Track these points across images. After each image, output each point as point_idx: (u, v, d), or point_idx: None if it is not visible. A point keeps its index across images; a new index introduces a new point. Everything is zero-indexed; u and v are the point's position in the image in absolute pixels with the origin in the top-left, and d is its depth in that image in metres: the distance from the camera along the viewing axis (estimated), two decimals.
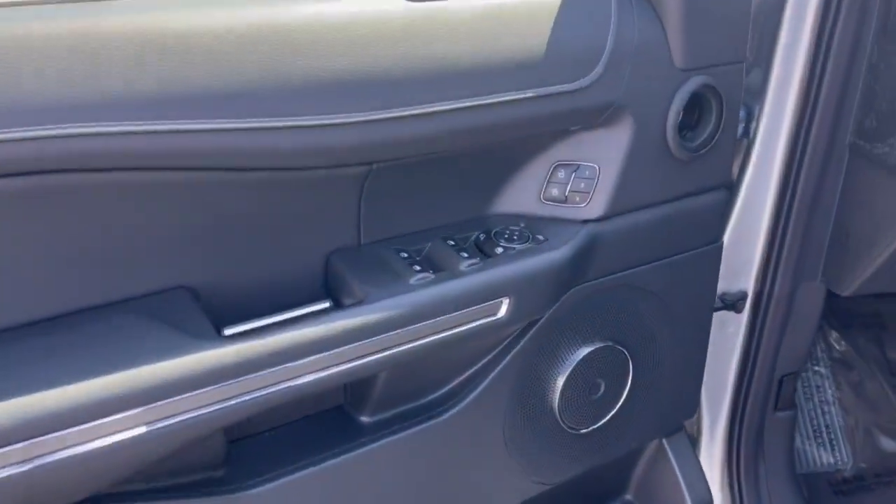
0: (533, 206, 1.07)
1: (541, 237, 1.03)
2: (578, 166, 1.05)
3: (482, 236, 1.03)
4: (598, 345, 1.13)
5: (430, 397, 1.06)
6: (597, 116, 1.00)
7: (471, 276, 0.94)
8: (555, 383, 1.12)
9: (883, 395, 1.82)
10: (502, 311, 0.98)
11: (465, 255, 0.97)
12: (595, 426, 1.19)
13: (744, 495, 1.56)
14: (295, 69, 0.79)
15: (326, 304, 0.93)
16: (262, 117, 0.78)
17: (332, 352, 0.85)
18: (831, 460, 1.73)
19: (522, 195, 1.07)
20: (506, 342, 1.05)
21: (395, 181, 0.95)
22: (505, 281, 0.96)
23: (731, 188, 1.42)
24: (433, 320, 0.92)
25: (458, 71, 0.88)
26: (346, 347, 0.86)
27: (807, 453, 1.74)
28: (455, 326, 0.94)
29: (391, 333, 0.89)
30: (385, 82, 0.83)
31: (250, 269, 0.91)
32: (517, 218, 1.07)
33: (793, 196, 1.33)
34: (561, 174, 1.06)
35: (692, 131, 1.10)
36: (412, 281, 0.92)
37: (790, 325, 1.48)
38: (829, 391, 1.79)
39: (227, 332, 0.86)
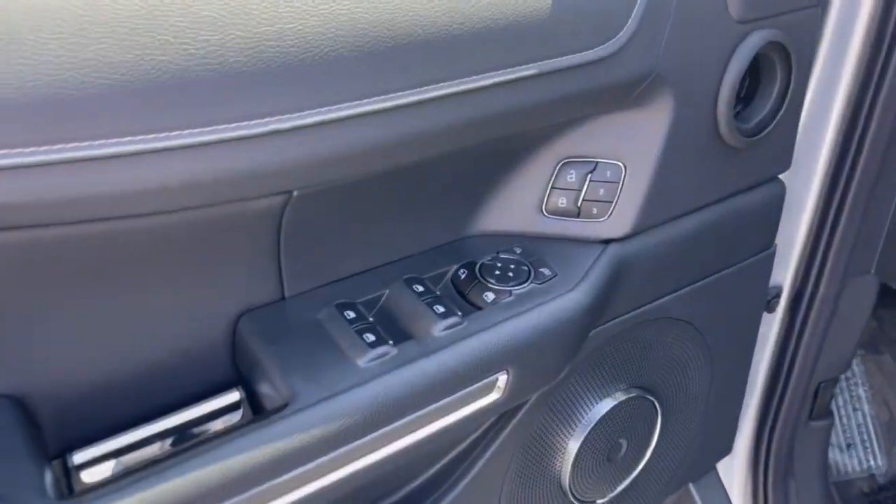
0: (531, 223, 0.76)
1: (546, 271, 0.72)
2: (596, 165, 0.74)
3: (462, 273, 0.71)
4: (622, 398, 0.84)
5: (411, 487, 0.77)
6: (626, 94, 0.68)
7: (451, 350, 0.63)
8: (565, 451, 0.83)
9: None
10: (498, 389, 0.68)
11: (440, 308, 0.66)
12: (612, 494, 0.91)
13: None
14: (164, 57, 0.46)
15: (235, 396, 0.63)
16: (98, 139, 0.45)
17: (240, 497, 0.55)
18: (865, 465, 1.49)
19: (516, 207, 0.76)
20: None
21: (329, 204, 0.63)
22: (500, 348, 0.65)
23: None
24: (398, 423, 0.61)
25: (425, 42, 0.55)
26: (262, 487, 0.56)
27: (836, 460, 1.51)
28: (429, 423, 0.64)
29: (332, 456, 0.58)
30: (304, 69, 0.51)
31: (112, 354, 0.59)
32: (510, 240, 0.76)
33: (849, 178, 1.03)
34: (571, 176, 0.74)
35: (746, 108, 0.79)
36: (363, 362, 0.61)
37: (834, 325, 1.21)
38: (861, 384, 1.54)
39: (77, 458, 0.55)
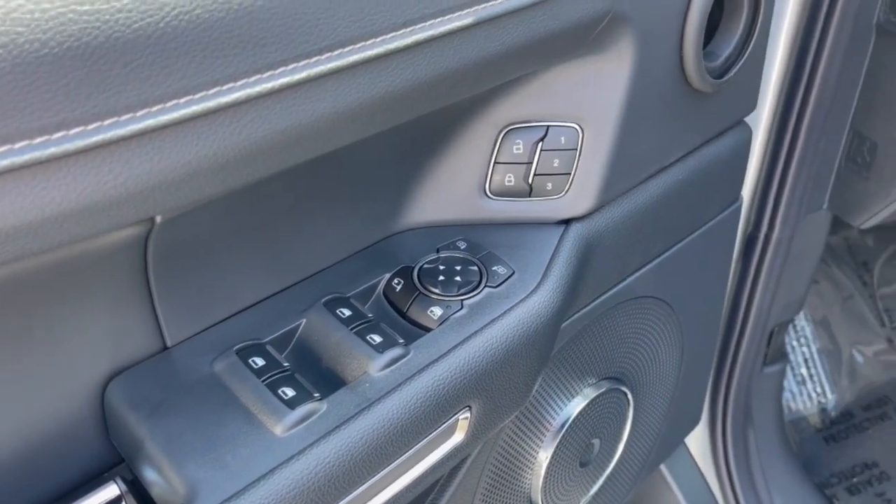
0: (475, 208, 0.61)
1: (500, 269, 0.58)
2: (547, 130, 0.60)
3: (397, 283, 0.56)
4: (592, 395, 0.72)
5: None
6: (580, 40, 0.54)
7: (397, 394, 0.48)
8: (535, 463, 0.71)
9: (858, 309, 1.55)
10: (460, 431, 0.54)
11: (376, 338, 0.51)
12: (585, 499, 0.80)
13: (733, 473, 1.26)
14: None
15: (113, 492, 0.47)
16: None
17: None
18: (816, 401, 1.46)
19: (454, 191, 0.61)
20: None
21: (208, 221, 0.47)
22: (459, 381, 0.51)
23: None
24: None
25: None
26: None
27: (789, 399, 1.46)
28: (377, 494, 0.49)
29: None
30: (138, 46, 0.34)
31: None
32: (452, 232, 0.61)
33: (800, 115, 0.93)
34: (517, 147, 0.60)
35: (710, 44, 0.66)
36: (282, 430, 0.46)
37: (788, 266, 1.13)
38: (804, 318, 1.49)
39: None
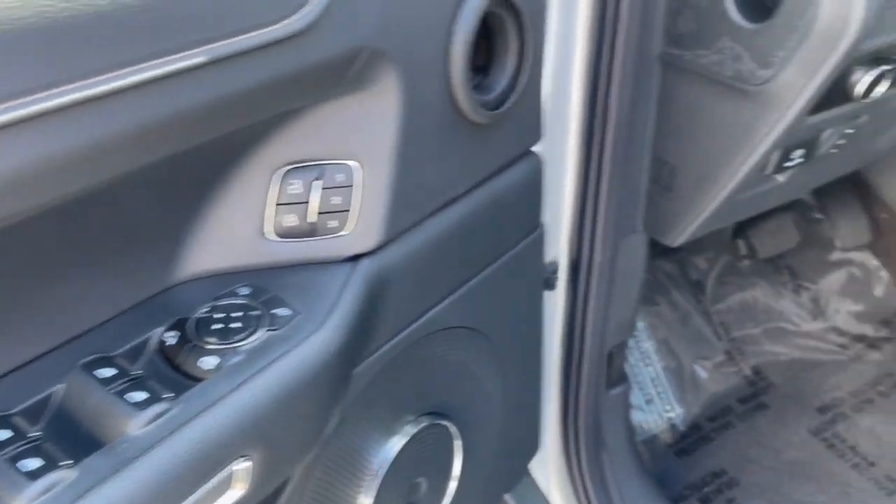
0: (257, 252, 0.60)
1: (283, 311, 0.57)
2: (324, 169, 0.60)
3: (171, 337, 0.54)
4: (412, 431, 0.72)
5: None
6: (337, 78, 0.55)
7: (157, 452, 0.46)
8: None
9: (695, 325, 1.64)
10: (239, 484, 0.51)
11: (137, 396, 0.48)
12: None
13: (591, 497, 1.28)
14: None
15: None
16: None
17: None
18: (665, 418, 1.51)
19: (234, 235, 0.59)
20: None
21: None
22: (233, 429, 0.49)
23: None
24: None
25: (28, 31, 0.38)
26: None
27: (639, 420, 1.51)
28: None
29: None
30: None
31: None
32: (234, 279, 0.60)
33: (602, 140, 0.99)
34: (295, 186, 0.59)
35: (486, 78, 0.69)
36: (26, 499, 0.42)
37: (615, 288, 1.18)
38: (646, 338, 1.56)
39: None
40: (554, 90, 0.95)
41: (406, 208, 0.62)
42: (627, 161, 1.03)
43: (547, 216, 1.07)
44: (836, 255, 1.79)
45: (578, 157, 1.01)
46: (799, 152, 0.96)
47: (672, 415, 1.51)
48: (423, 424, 0.72)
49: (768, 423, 1.51)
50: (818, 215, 1.76)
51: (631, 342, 1.55)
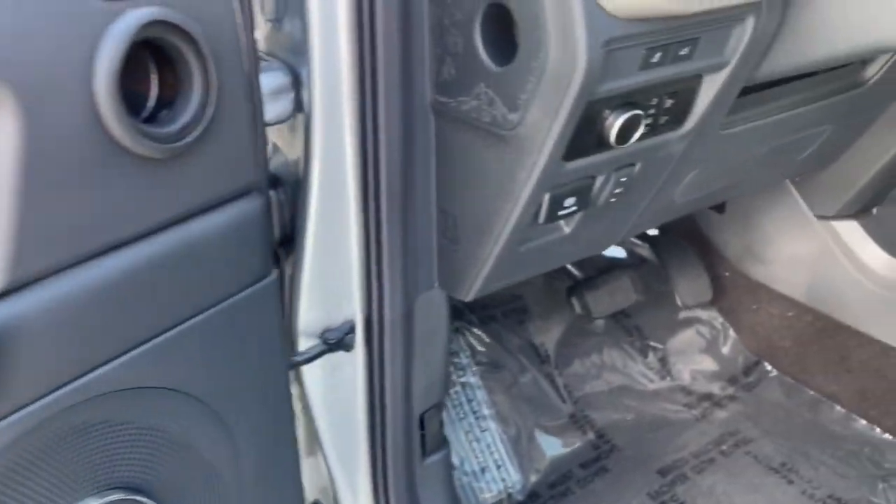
0: None
1: None
2: None
3: None
4: None
5: None
6: None
7: None
8: None
9: (538, 388, 1.59)
10: None
11: None
12: None
13: None
14: None
15: None
16: None
17: None
18: (501, 486, 1.44)
19: None
20: None
21: None
22: None
23: (295, 187, 1.01)
24: None
25: None
26: None
27: (474, 487, 1.44)
28: None
29: None
30: None
31: None
32: None
33: (377, 183, 0.95)
34: None
35: (169, 110, 0.64)
36: None
37: (417, 349, 1.13)
38: (483, 403, 1.50)
39: None
40: (326, 141, 0.92)
41: (40, 249, 0.55)
42: (407, 213, 1.00)
43: (339, 271, 1.02)
44: (683, 314, 1.79)
45: (357, 210, 0.97)
46: (571, 200, 0.94)
47: (509, 483, 1.44)
48: (110, 499, 0.64)
49: (608, 488, 1.46)
50: (662, 274, 1.76)
51: (466, 407, 1.49)
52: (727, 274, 1.84)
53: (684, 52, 0.84)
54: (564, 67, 0.76)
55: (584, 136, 0.86)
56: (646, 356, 1.72)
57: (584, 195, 0.95)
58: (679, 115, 0.94)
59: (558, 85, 0.78)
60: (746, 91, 1.08)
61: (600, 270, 1.66)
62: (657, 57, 0.82)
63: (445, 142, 0.97)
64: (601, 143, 0.87)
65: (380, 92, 0.89)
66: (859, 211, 1.51)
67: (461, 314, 1.55)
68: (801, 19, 0.90)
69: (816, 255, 1.60)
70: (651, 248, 1.76)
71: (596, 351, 1.68)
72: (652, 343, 1.74)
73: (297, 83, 0.93)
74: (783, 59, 0.95)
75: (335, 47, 0.88)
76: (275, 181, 1.03)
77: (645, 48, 0.80)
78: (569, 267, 1.70)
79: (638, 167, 0.98)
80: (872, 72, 1.20)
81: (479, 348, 1.54)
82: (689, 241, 1.83)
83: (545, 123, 0.81)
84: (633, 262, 1.75)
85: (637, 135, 0.88)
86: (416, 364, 1.13)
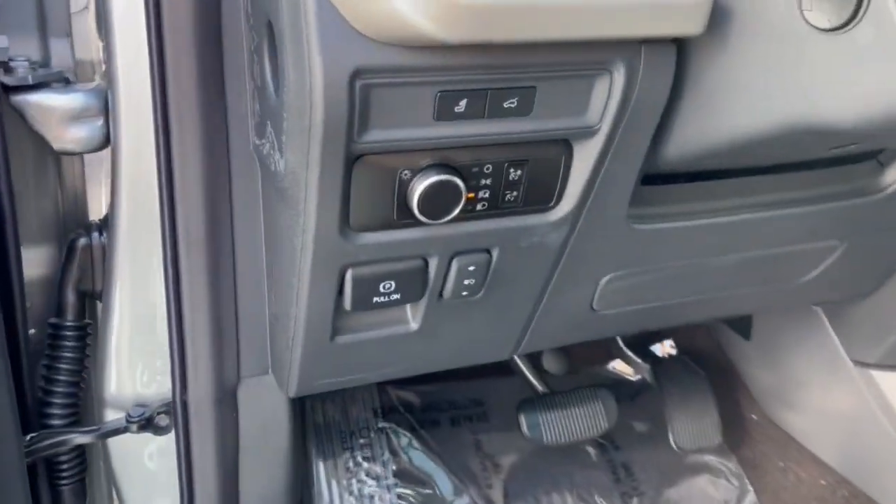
0: None
1: None
2: None
3: None
4: None
5: None
6: None
7: None
8: None
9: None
10: None
11: None
12: None
13: None
14: None
15: None
16: None
17: None
18: None
19: None
20: None
21: None
22: None
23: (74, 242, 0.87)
24: None
25: None
26: None
27: None
28: None
29: None
30: None
31: None
32: None
33: (175, 240, 0.79)
34: None
35: None
36: None
37: (245, 445, 0.93)
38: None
39: None
40: (133, 183, 0.78)
41: None
42: (219, 278, 0.82)
43: (149, 338, 0.86)
44: (691, 458, 1.46)
45: (171, 273, 0.81)
46: (389, 285, 0.73)
47: None
48: None
49: None
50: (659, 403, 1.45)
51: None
52: (754, 417, 1.49)
53: (511, 104, 0.62)
54: (300, 101, 0.57)
55: (379, 200, 0.65)
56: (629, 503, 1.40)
57: (410, 281, 0.73)
58: (542, 192, 0.71)
59: (301, 125, 0.58)
60: (693, 177, 0.83)
61: (577, 384, 1.38)
62: (462, 105, 0.60)
63: (269, 196, 0.80)
64: (412, 215, 0.66)
65: (187, 129, 0.73)
66: None
67: (393, 411, 1.33)
68: (709, 85, 0.66)
69: (854, 410, 1.24)
70: (651, 369, 1.45)
71: (564, 484, 1.38)
72: (642, 488, 1.42)
73: (108, 112, 0.80)
74: (699, 137, 0.70)
75: (140, 73, 0.74)
76: (88, 225, 0.90)
77: (438, 90, 0.59)
78: (543, 373, 1.44)
79: (496, 255, 0.75)
80: (892, 178, 0.90)
81: (405, 457, 1.30)
82: (710, 367, 1.50)
83: (301, 175, 0.62)
84: (625, 382, 1.46)
85: (456, 210, 0.66)
86: (245, 466, 0.93)
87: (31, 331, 0.95)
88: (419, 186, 0.64)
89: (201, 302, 0.79)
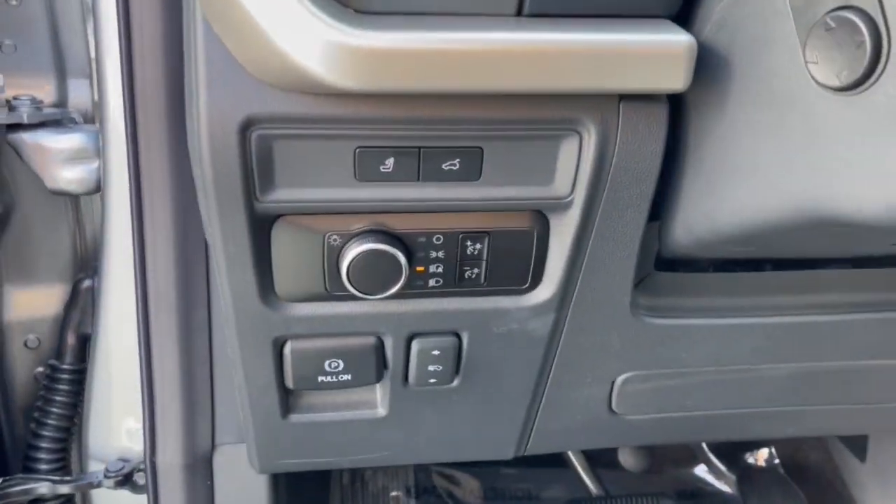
0: None
1: None
2: None
3: None
4: None
5: None
6: None
7: None
8: None
9: None
10: None
11: None
12: None
13: None
14: None
15: None
16: None
17: None
18: None
19: None
20: None
21: None
22: None
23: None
24: None
25: None
26: None
27: None
28: None
29: None
30: None
31: None
32: None
33: (146, 297, 0.75)
34: None
35: None
36: None
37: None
38: None
39: None
40: (119, 229, 0.76)
41: None
42: (191, 338, 0.77)
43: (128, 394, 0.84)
44: None
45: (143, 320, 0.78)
46: (336, 364, 0.64)
47: None
48: None
49: None
50: None
51: None
52: None
53: (452, 166, 0.52)
54: (195, 153, 0.51)
55: (307, 268, 0.57)
56: None
57: (360, 361, 0.64)
58: (512, 271, 0.60)
59: (201, 175, 0.52)
60: (735, 265, 0.68)
61: (646, 489, 1.20)
62: (389, 165, 0.51)
63: None
64: (345, 287, 0.57)
65: (157, 181, 0.69)
66: None
67: (429, 493, 1.21)
68: (708, 156, 0.52)
69: None
70: (738, 482, 1.24)
71: None
72: None
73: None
74: (705, 219, 0.56)
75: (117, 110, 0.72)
76: (96, 266, 0.88)
77: (356, 145, 0.50)
78: (614, 468, 1.27)
79: (466, 340, 0.64)
80: None
81: None
82: (814, 487, 1.26)
83: (210, 235, 0.55)
84: (706, 493, 1.25)
85: (397, 285, 0.56)
86: None
87: (39, 369, 0.95)
88: (349, 255, 0.55)
89: (171, 364, 0.74)
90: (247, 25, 0.43)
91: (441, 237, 0.56)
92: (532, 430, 0.77)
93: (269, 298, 0.58)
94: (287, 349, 0.62)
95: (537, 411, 0.74)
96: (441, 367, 0.65)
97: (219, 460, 0.83)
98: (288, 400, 0.68)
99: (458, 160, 0.52)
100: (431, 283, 0.58)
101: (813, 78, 0.42)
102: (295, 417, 0.70)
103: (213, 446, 0.82)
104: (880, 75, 0.39)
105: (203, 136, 0.48)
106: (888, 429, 0.99)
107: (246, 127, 0.48)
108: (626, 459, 1.38)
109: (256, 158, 0.49)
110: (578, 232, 0.56)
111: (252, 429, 0.70)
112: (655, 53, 0.46)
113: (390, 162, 0.51)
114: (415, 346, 0.63)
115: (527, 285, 0.60)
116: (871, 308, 0.69)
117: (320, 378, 0.64)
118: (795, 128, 0.44)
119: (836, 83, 0.41)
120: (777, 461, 1.32)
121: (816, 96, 0.42)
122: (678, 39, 0.46)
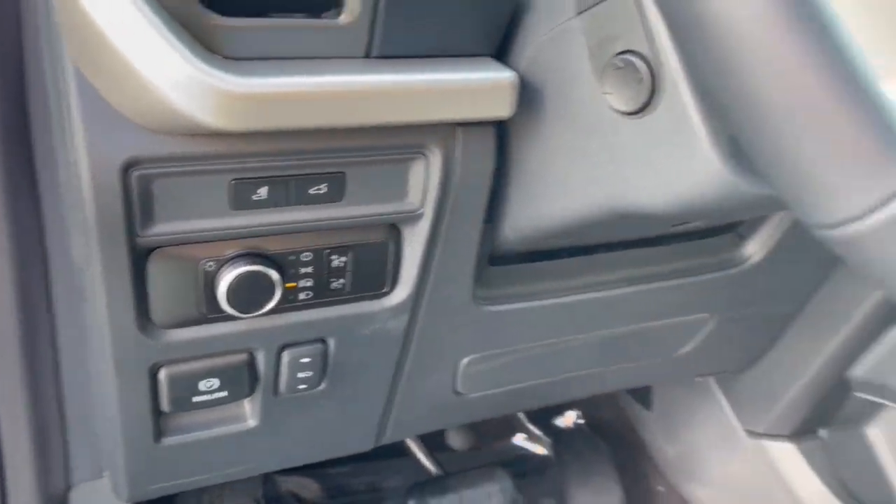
0: None
1: None
2: None
3: None
4: None
5: None
6: None
7: None
8: None
9: None
10: None
11: None
12: None
13: None
14: None
15: None
16: None
17: None
18: None
19: None
20: None
21: None
22: None
23: None
24: None
25: None
26: None
27: None
28: None
29: None
30: None
31: None
32: None
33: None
34: None
35: None
36: None
37: None
38: None
39: None
40: None
41: None
42: (35, 362, 0.76)
43: None
44: None
45: None
46: (212, 383, 0.68)
47: None
48: None
49: None
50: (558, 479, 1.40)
51: None
52: (661, 489, 1.45)
53: (319, 190, 0.58)
54: (73, 195, 0.53)
55: (183, 295, 0.60)
56: None
57: (235, 377, 0.68)
58: (372, 279, 0.67)
59: (77, 219, 0.54)
60: (552, 255, 0.80)
61: (478, 462, 1.32)
62: (262, 193, 0.57)
63: None
64: (222, 309, 0.61)
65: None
66: (796, 432, 1.14)
67: (280, 502, 1.25)
68: (531, 170, 0.64)
69: (750, 481, 1.21)
70: (553, 444, 1.41)
71: None
72: None
73: None
74: (530, 221, 0.67)
75: None
76: None
77: (231, 178, 0.55)
78: (446, 450, 1.38)
79: (332, 345, 0.70)
80: (753, 250, 0.88)
81: None
82: (616, 439, 1.46)
83: (87, 270, 0.57)
84: (528, 458, 1.41)
85: (272, 302, 0.61)
86: None
87: None
88: (225, 279, 0.59)
89: (15, 403, 0.73)
90: (130, 80, 0.46)
91: (310, 254, 0.62)
92: (389, 420, 0.84)
93: (147, 327, 0.61)
94: (162, 374, 0.65)
95: (393, 402, 0.82)
96: (310, 374, 0.71)
97: (76, 500, 0.82)
98: (160, 423, 0.70)
99: (324, 185, 0.58)
100: (301, 296, 0.64)
101: (610, 106, 0.54)
102: (168, 440, 0.72)
103: (69, 486, 0.81)
104: (658, 103, 0.51)
105: (84, 179, 0.51)
106: (663, 379, 1.18)
107: (127, 168, 0.51)
108: (454, 439, 1.50)
109: (138, 196, 0.53)
110: (428, 239, 0.65)
111: (122, 457, 0.71)
112: (485, 88, 0.56)
113: (263, 190, 0.56)
114: (285, 356, 0.69)
115: (385, 289, 0.68)
116: (644, 280, 0.85)
117: (195, 399, 0.67)
118: (599, 146, 0.56)
119: (626, 109, 0.53)
120: (582, 421, 1.51)
121: (613, 121, 0.55)
122: (504, 76, 0.56)
